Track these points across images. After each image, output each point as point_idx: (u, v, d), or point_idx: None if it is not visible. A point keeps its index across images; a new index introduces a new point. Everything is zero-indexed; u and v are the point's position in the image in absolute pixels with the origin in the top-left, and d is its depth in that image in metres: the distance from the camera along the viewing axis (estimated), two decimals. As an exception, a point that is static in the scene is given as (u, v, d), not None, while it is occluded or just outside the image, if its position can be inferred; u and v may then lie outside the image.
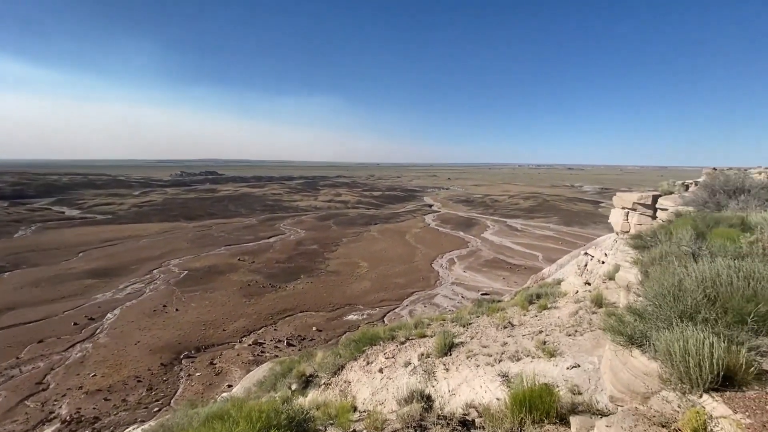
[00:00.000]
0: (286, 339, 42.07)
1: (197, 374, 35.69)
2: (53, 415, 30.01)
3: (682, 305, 4.16)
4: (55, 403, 31.37)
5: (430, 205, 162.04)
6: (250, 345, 40.81)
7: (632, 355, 4.24)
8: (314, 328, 44.86)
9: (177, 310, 48.77)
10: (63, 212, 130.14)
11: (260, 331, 44.30)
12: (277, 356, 36.29)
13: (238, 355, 38.88)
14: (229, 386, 31.23)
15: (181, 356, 38.46)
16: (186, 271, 63.65)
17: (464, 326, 14.22)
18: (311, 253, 77.55)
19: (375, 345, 13.48)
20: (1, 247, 77.97)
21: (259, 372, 17.10)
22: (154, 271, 64.01)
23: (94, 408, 30.73)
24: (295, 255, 75.32)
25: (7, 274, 62.03)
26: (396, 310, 50.79)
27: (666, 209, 12.72)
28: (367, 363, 12.32)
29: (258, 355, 38.67)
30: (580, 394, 6.49)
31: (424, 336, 13.82)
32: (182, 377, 35.29)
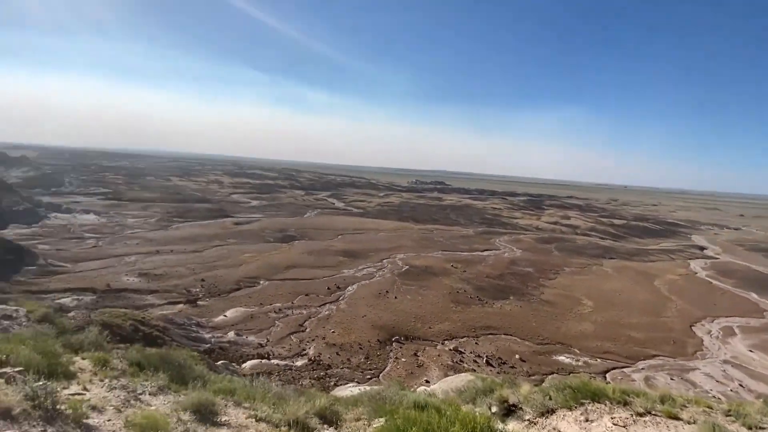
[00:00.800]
0: (486, 357, 40.77)
1: (402, 359, 39.47)
2: (304, 352, 39.79)
3: None
4: (307, 343, 41.51)
5: (703, 248, 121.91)
6: (450, 350, 41.86)
7: None
8: (517, 356, 41.58)
9: (396, 298, 55.62)
10: (333, 203, 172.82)
11: (462, 339, 44.77)
12: (474, 370, 35.68)
13: (438, 355, 40.58)
14: (427, 381, 32.88)
15: (393, 339, 43.50)
16: (407, 266, 71.88)
17: (750, 429, 9.59)
18: (525, 275, 72.64)
19: (598, 402, 10.80)
20: (297, 223, 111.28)
21: (458, 380, 16.96)
22: (384, 261, 75.40)
23: (329, 357, 38.84)
24: (507, 274, 72.45)
25: (296, 242, 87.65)
26: (624, 370, 40.76)
27: None
28: (586, 419, 9.97)
29: (456, 362, 39.14)
30: None
31: (676, 418, 10.11)
32: (391, 357, 39.85)
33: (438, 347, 42.62)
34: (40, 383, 5.00)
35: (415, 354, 40.66)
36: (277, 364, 36.49)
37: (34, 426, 4.40)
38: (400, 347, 42.04)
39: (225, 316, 46.85)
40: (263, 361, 36.73)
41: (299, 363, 37.49)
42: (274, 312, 48.85)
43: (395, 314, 49.73)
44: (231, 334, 42.01)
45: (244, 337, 42.02)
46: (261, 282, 59.24)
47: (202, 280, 57.91)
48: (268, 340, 41.53)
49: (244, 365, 34.41)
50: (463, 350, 42.11)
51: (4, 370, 5.75)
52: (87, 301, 47.37)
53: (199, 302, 50.42)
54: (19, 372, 5.65)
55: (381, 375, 36.41)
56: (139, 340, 27.01)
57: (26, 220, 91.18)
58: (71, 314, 31.05)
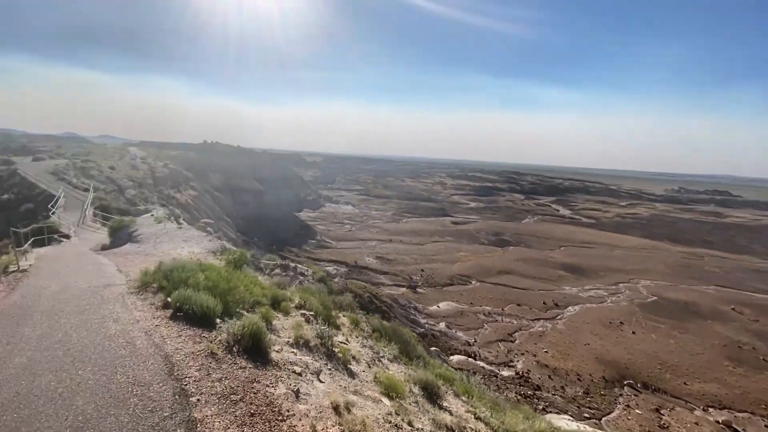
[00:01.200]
0: (788, 453, 27.57)
1: (636, 411, 31.73)
2: (512, 364, 37.92)
3: None
4: (515, 355, 39.39)
5: None
6: (717, 422, 30.55)
7: None
8: None
9: (633, 333, 45.26)
10: (558, 210, 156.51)
11: (740, 414, 31.87)
12: (761, 465, 24.77)
13: (696, 423, 30.36)
14: (674, 452, 25.25)
15: (625, 382, 35.59)
16: (655, 297, 57.13)
17: None
18: None
19: None
20: (513, 228, 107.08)
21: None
22: (620, 285, 62.62)
23: (539, 378, 35.62)
24: None
25: (511, 247, 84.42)
26: None
27: None
28: None
29: (727, 442, 28.29)
30: None
31: None
32: (620, 403, 32.74)
33: (696, 413, 31.92)
34: (325, 327, 6.62)
35: (658, 410, 31.84)
36: (483, 367, 36.35)
37: (320, 358, 5.87)
38: (635, 395, 33.91)
39: (438, 306, 50.44)
40: (469, 359, 37.39)
41: (505, 373, 36.11)
42: (483, 314, 48.85)
43: (631, 353, 40.49)
44: (442, 325, 44.85)
45: (454, 331, 43.99)
46: (472, 282, 60.45)
47: (422, 270, 64.31)
48: (475, 340, 41.98)
49: (451, 357, 36.05)
50: (740, 430, 29.95)
51: (303, 311, 7.98)
52: (342, 272, 61.15)
53: (418, 289, 56.32)
54: (312, 315, 7.69)
55: (603, 419, 30.49)
56: (373, 310, 32.61)
57: (312, 206, 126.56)
58: (335, 280, 40.79)
